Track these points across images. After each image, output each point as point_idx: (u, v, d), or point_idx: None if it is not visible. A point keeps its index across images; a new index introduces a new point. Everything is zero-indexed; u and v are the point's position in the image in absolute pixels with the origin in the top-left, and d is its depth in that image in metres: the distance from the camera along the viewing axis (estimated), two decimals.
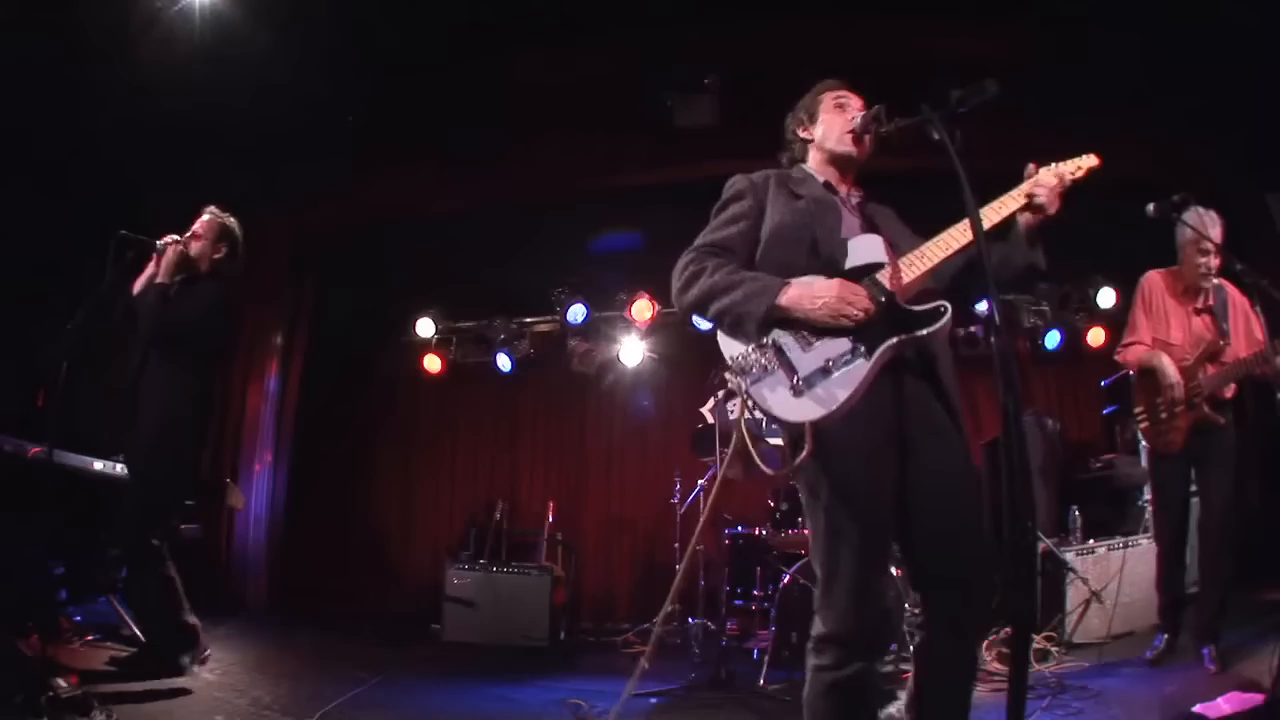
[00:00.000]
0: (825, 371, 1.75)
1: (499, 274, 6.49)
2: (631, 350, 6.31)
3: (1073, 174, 1.93)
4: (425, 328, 6.54)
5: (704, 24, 4.88)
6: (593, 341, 6.43)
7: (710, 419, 4.73)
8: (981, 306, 3.57)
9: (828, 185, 2.08)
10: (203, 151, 4.90)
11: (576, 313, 6.25)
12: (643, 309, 6.07)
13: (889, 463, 1.77)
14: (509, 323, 6.50)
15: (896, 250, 1.91)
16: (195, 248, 3.40)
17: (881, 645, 1.82)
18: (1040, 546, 4.20)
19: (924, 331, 1.78)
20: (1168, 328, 3.46)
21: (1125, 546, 4.30)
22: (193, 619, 3.30)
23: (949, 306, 1.79)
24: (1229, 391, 3.33)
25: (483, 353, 6.60)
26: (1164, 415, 3.39)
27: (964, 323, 5.79)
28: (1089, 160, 1.96)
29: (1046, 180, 1.89)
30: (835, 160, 2.09)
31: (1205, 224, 3.27)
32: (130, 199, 4.58)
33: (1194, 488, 3.56)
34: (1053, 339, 5.98)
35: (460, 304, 6.63)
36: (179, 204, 3.54)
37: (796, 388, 1.75)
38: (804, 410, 1.74)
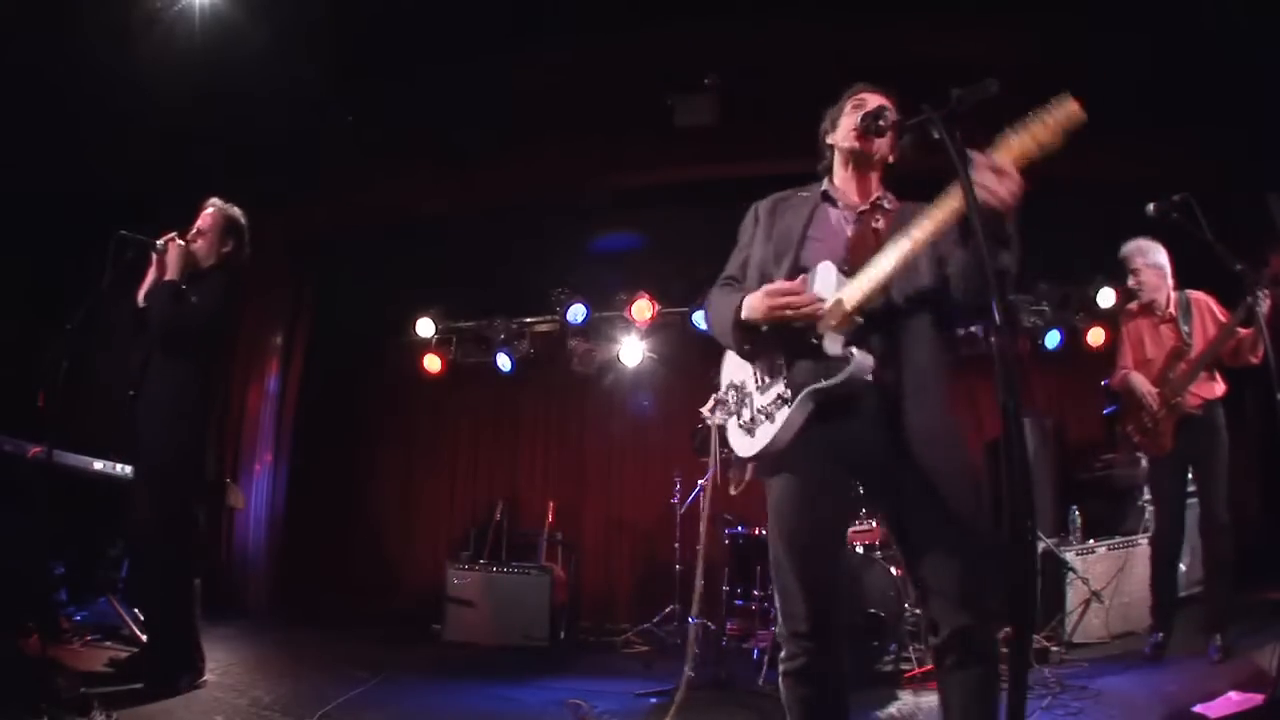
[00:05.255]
0: (766, 414, 1.84)
1: (499, 274, 6.50)
2: (631, 350, 6.30)
3: (1045, 138, 1.57)
4: (425, 328, 6.53)
5: (704, 24, 4.87)
6: (593, 341, 6.42)
7: (710, 419, 4.73)
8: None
9: (827, 196, 2.00)
10: (202, 152, 4.90)
11: (576, 313, 6.24)
12: (643, 309, 6.07)
13: (828, 501, 1.84)
14: (509, 323, 6.49)
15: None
16: (200, 245, 3.36)
17: (824, 643, 1.81)
18: (1040, 546, 4.21)
19: (825, 384, 1.73)
20: (1144, 348, 3.80)
21: (1125, 546, 4.31)
22: (199, 640, 3.25)
23: (853, 354, 1.72)
24: (1216, 390, 3.59)
25: (483, 353, 6.59)
26: (1150, 424, 3.69)
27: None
28: (1064, 110, 1.55)
29: (982, 176, 1.57)
30: (848, 161, 2.01)
31: (1132, 253, 3.73)
32: (130, 199, 4.58)
33: (1194, 489, 3.73)
34: (1053, 339, 5.96)
35: (460, 304, 6.62)
36: (179, 204, 3.53)
37: (745, 425, 1.90)
38: (744, 446, 1.90)
